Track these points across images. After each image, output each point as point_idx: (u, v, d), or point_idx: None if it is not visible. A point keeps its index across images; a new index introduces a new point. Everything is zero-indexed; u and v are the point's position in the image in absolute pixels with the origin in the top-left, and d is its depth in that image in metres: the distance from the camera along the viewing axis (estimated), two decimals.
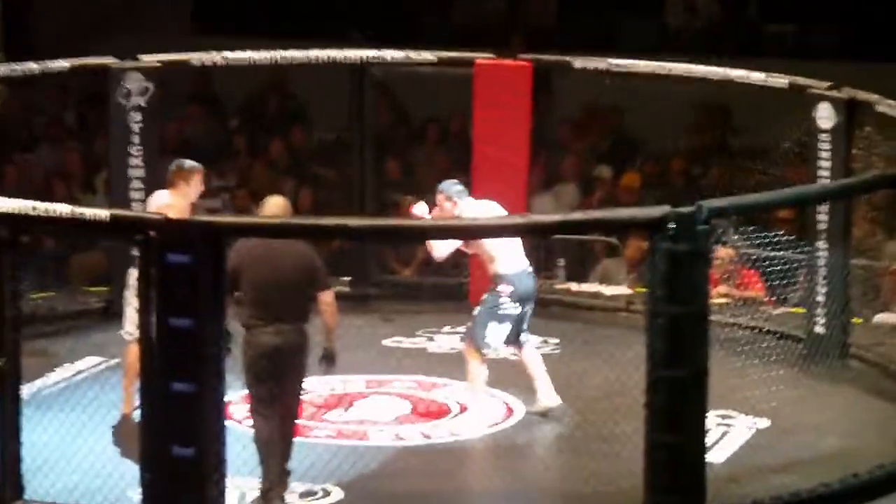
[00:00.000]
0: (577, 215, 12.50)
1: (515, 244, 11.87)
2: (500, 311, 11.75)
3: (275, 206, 10.68)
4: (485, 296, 11.90)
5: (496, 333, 11.74)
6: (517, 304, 11.77)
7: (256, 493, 10.33)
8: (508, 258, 11.81)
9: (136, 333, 10.70)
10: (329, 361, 10.51)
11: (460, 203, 11.90)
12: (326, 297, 10.44)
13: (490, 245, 11.76)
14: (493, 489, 10.45)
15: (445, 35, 19.21)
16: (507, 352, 11.93)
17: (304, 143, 17.33)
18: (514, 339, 11.85)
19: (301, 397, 10.49)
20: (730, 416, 11.59)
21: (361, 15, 20.20)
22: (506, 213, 12.06)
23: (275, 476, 10.35)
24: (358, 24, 19.81)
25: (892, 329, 12.89)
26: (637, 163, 16.87)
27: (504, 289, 11.75)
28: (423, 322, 13.96)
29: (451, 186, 12.01)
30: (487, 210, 11.98)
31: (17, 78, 14.07)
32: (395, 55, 14.45)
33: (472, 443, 11.43)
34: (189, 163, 11.69)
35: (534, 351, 12.08)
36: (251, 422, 10.44)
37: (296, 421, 10.49)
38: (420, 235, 10.40)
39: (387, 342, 13.51)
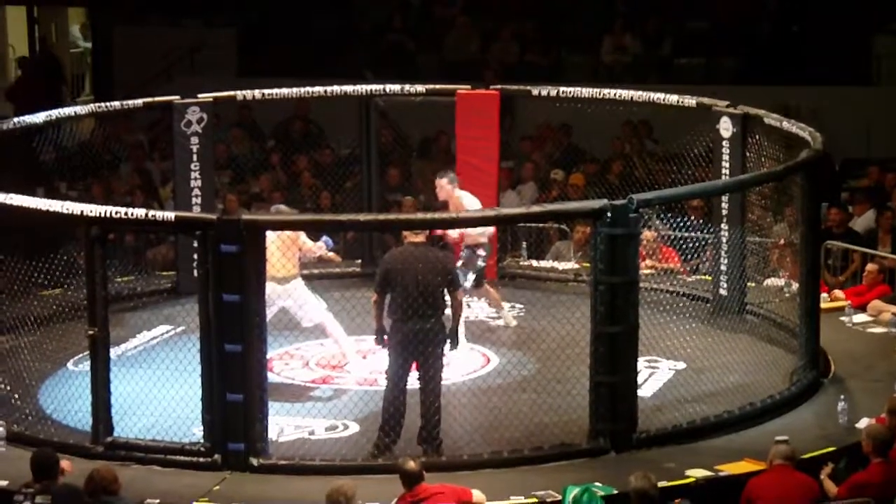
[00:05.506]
0: (536, 208, 12.48)
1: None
2: (478, 265, 12.22)
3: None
4: (462, 255, 12.16)
5: (469, 280, 12.17)
6: (484, 260, 12.33)
7: (373, 446, 9.96)
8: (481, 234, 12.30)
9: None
10: (453, 341, 10.14)
11: (455, 189, 12.33)
12: (457, 295, 10.11)
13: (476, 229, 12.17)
14: (473, 420, 10.40)
15: (437, 71, 19.17)
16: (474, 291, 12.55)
17: (327, 157, 17.23)
18: (479, 283, 12.42)
19: (440, 371, 10.04)
20: (655, 361, 11.52)
21: (372, 57, 20.16)
22: (478, 202, 12.41)
23: (392, 434, 9.94)
24: (369, 64, 19.75)
25: (779, 290, 12.85)
26: (582, 167, 16.83)
27: (481, 252, 12.23)
28: None
29: (448, 174, 12.45)
30: (472, 198, 12.37)
31: (103, 113, 14.00)
32: (393, 88, 14.32)
33: (458, 385, 11.33)
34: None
35: (490, 287, 12.75)
36: (384, 389, 10.07)
37: (438, 388, 9.98)
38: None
39: None
